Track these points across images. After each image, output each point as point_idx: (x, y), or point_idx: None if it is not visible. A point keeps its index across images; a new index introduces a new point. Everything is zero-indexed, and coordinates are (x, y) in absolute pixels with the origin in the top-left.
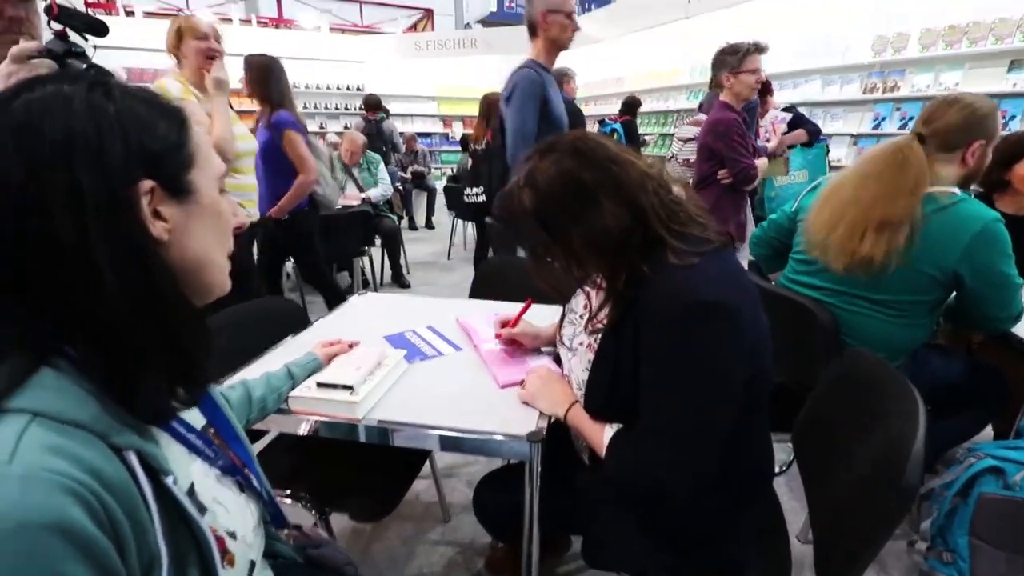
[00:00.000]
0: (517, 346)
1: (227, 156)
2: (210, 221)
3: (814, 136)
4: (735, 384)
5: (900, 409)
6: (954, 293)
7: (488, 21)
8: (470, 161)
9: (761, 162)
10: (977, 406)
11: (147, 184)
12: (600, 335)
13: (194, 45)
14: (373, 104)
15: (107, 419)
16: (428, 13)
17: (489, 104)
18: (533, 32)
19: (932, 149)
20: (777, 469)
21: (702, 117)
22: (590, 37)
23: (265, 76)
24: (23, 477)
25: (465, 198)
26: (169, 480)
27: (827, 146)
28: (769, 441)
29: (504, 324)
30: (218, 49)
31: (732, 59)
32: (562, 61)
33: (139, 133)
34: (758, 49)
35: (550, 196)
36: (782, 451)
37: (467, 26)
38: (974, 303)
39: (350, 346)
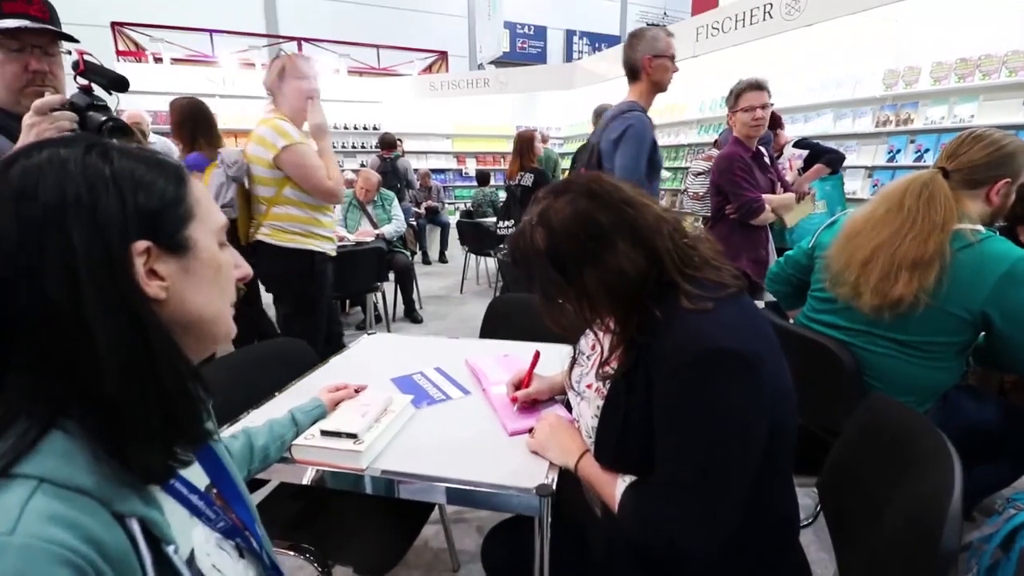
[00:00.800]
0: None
1: (340, 198)
2: (209, 274)
3: (837, 163)
4: (754, 438)
5: (933, 462)
6: (983, 333)
7: (500, 62)
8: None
9: (782, 197)
10: (1013, 451)
11: (142, 245)
12: (609, 381)
13: (295, 85)
14: (388, 143)
15: (112, 484)
16: (443, 55)
17: (523, 141)
18: (635, 76)
19: (956, 185)
20: (803, 519)
21: (715, 152)
22: (601, 75)
23: (182, 119)
24: (24, 547)
25: (497, 230)
26: (170, 549)
27: (842, 177)
28: (794, 496)
29: (516, 385)
30: (318, 91)
31: (729, 99)
32: (575, 99)
33: (135, 192)
34: (752, 86)
35: (564, 236)
36: (806, 496)
37: (480, 67)
38: (1005, 346)
39: (356, 391)
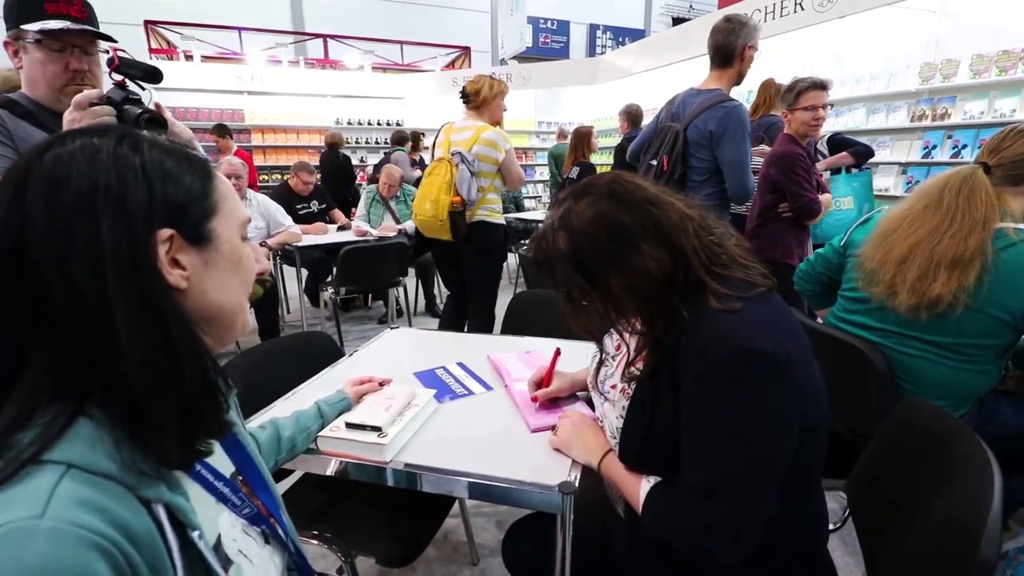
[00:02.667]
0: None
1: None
2: (230, 267)
3: (863, 157)
4: (785, 441)
5: (971, 468)
6: None
7: (523, 57)
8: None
9: (825, 198)
10: None
11: (166, 232)
12: (635, 382)
13: (499, 103)
14: (402, 139)
15: (137, 470)
16: (465, 51)
17: (579, 136)
18: (727, 62)
19: (998, 181)
20: (831, 524)
21: (763, 147)
22: (625, 70)
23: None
24: (53, 531)
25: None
26: (195, 535)
27: (871, 174)
28: (823, 501)
29: (537, 383)
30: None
31: (788, 96)
32: (593, 93)
33: (163, 184)
34: (816, 85)
35: (586, 240)
36: (833, 500)
37: (503, 62)
38: None
39: (381, 384)
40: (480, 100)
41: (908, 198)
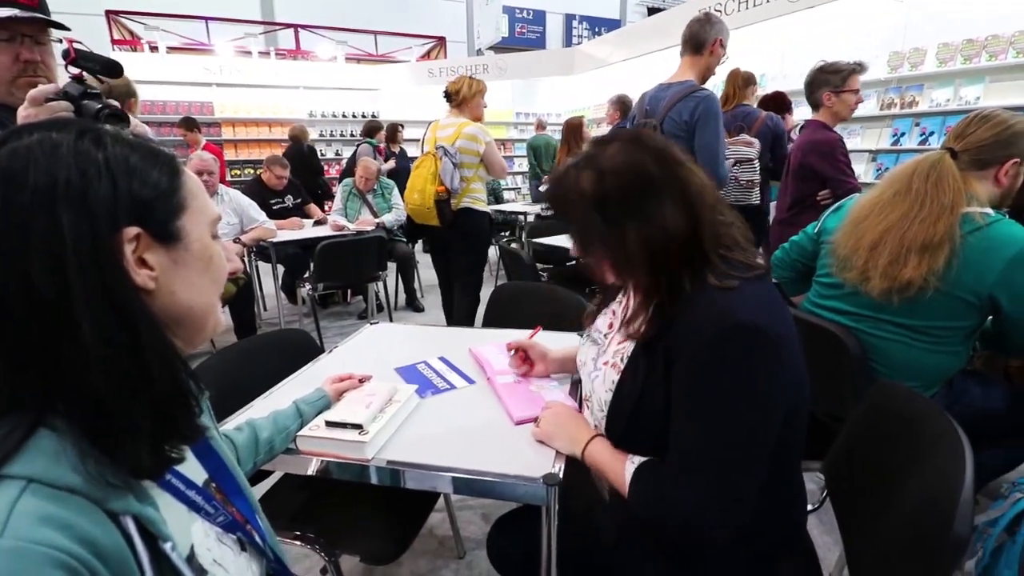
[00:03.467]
0: (528, 368)
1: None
2: (200, 266)
3: None
4: (774, 417)
5: (942, 448)
6: (990, 318)
7: (499, 47)
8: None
9: None
10: (1018, 436)
11: (132, 231)
12: (627, 356)
13: (478, 101)
14: (372, 130)
15: (104, 482)
16: (441, 41)
17: (570, 129)
18: (697, 51)
19: (964, 166)
20: (810, 505)
21: (745, 136)
22: (602, 60)
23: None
24: (13, 550)
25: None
26: (167, 546)
27: None
28: (803, 485)
29: (517, 353)
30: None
31: (835, 78)
32: (575, 84)
33: (128, 179)
34: (862, 68)
35: (613, 181)
36: (811, 481)
37: (479, 52)
38: (1014, 329)
39: (360, 381)
40: (460, 99)
41: (878, 184)
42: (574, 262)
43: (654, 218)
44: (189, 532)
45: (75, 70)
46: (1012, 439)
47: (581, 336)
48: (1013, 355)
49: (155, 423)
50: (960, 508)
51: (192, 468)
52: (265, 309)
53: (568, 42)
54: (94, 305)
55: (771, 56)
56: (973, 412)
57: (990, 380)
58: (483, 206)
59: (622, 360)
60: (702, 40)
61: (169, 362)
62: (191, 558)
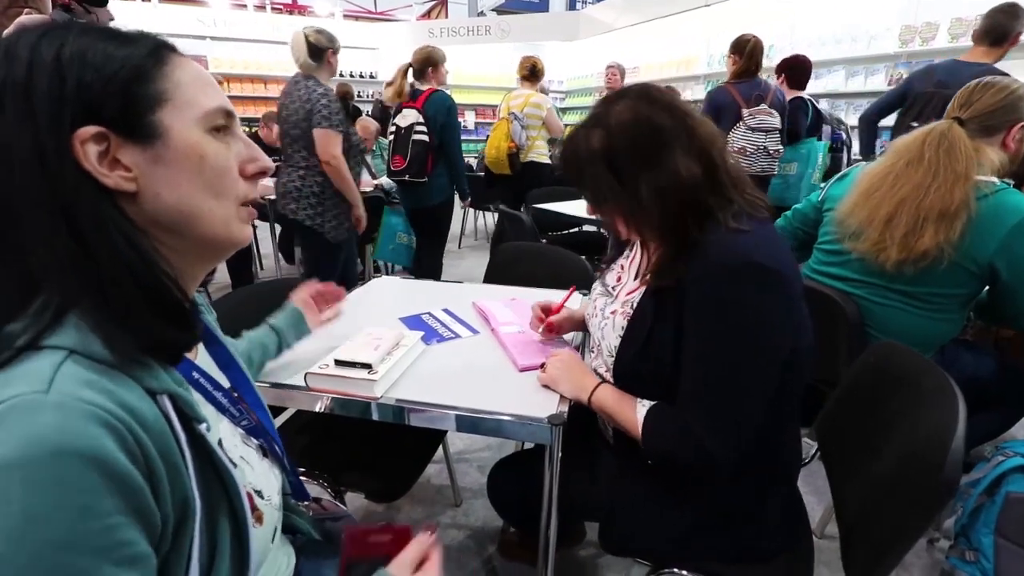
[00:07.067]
0: (548, 333)
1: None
2: (189, 166)
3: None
4: (779, 351)
5: (936, 401)
6: (987, 288)
7: (502, 9)
8: None
9: None
10: (1006, 404)
11: (89, 130)
12: (635, 303)
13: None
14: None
15: (135, 361)
16: (442, 0)
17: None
18: (999, 43)
19: (972, 133)
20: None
21: (764, 106)
22: (608, 24)
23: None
24: (60, 405)
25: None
26: (203, 427)
27: (830, 144)
28: (798, 427)
29: (545, 311)
30: None
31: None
32: (580, 50)
33: (80, 73)
34: None
35: (622, 137)
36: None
37: (481, 13)
38: (1010, 298)
39: (333, 299)
40: (533, 76)
41: (885, 155)
42: (576, 228)
43: (667, 168)
44: (217, 427)
45: None
46: (998, 407)
47: (586, 294)
48: (1007, 325)
49: (148, 308)
50: (951, 454)
51: (217, 373)
52: (262, 269)
53: (572, 5)
54: (36, 211)
55: (778, 27)
56: (964, 378)
57: (980, 350)
58: (545, 159)
59: (631, 307)
60: (1005, 32)
61: (137, 274)
62: (220, 447)
